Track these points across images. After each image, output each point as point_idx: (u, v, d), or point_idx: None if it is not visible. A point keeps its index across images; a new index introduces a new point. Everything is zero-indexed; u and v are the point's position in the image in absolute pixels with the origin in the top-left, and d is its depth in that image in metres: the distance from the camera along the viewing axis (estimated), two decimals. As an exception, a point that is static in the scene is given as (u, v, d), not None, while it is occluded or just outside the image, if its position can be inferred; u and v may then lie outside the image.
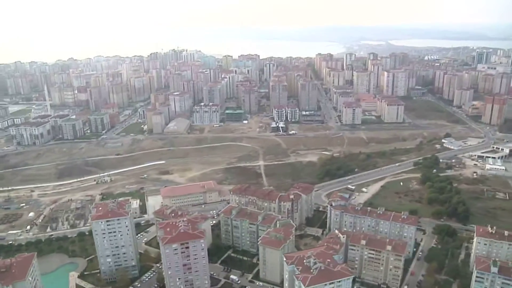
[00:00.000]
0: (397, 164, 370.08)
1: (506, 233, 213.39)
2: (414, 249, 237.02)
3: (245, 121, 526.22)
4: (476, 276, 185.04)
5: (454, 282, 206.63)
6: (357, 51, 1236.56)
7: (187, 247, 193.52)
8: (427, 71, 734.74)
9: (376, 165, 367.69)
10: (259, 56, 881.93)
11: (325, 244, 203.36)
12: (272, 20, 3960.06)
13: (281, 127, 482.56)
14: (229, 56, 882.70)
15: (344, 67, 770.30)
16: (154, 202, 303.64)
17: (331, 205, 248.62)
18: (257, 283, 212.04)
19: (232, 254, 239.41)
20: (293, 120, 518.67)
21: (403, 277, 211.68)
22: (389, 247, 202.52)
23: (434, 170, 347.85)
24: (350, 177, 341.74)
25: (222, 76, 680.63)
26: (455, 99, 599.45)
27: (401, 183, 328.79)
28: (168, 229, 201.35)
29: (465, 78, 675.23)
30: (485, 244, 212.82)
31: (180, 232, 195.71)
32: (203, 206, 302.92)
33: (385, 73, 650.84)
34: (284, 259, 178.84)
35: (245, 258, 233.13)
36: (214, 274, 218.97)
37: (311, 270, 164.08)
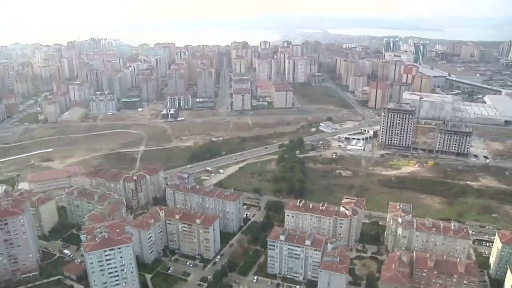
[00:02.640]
0: (263, 147, 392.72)
1: (311, 205, 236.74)
2: (243, 224, 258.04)
3: (140, 109, 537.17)
4: (268, 244, 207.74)
5: (264, 252, 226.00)
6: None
7: (6, 224, 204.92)
8: (332, 58, 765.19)
9: (245, 148, 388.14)
10: (174, 44, 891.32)
11: (141, 218, 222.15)
12: (217, 10, 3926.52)
13: (171, 113, 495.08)
14: (145, 44, 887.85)
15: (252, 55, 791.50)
16: (23, 188, 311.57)
17: (167, 184, 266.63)
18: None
19: (75, 232, 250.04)
20: (186, 107, 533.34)
21: (221, 249, 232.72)
22: (198, 221, 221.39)
23: (297, 152, 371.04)
24: (216, 159, 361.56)
25: (127, 65, 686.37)
26: (350, 85, 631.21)
27: (259, 164, 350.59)
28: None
29: (366, 65, 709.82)
30: (292, 217, 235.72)
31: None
32: (66, 189, 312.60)
33: (287, 60, 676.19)
34: (82, 230, 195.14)
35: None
36: (51, 250, 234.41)
37: (96, 239, 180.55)
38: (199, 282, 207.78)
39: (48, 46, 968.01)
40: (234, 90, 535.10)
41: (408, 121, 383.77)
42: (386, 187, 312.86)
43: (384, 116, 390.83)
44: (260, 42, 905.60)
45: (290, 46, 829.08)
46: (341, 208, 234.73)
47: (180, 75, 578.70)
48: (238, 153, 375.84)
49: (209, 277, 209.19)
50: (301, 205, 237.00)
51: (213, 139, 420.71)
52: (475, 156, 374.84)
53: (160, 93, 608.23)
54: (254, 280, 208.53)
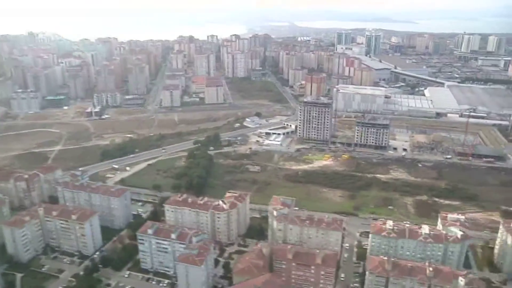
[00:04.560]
0: (180, 144, 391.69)
1: (190, 200, 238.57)
2: (132, 220, 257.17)
3: (66, 107, 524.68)
4: (138, 239, 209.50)
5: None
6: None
7: None
8: (276, 52, 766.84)
9: (162, 145, 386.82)
10: (116, 39, 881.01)
11: (16, 217, 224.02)
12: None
13: (95, 112, 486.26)
14: (86, 39, 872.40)
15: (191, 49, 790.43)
16: None
17: (58, 182, 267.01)
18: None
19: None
20: (114, 104, 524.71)
21: (104, 245, 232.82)
22: (74, 217, 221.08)
23: (212, 148, 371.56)
24: (128, 157, 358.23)
25: (59, 61, 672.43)
26: (290, 79, 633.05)
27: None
28: None
29: (311, 58, 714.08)
30: (172, 211, 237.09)
31: None
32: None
33: (226, 55, 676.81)
34: None
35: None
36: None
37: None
38: (70, 278, 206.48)
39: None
40: (163, 86, 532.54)
41: (325, 115, 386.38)
42: (291, 182, 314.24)
43: (300, 110, 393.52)
44: (208, 36, 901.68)
45: (237, 40, 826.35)
46: (220, 202, 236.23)
47: (111, 71, 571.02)
48: (152, 150, 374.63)
49: (81, 273, 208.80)
50: (181, 199, 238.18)
51: (132, 136, 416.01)
52: (395, 148, 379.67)
53: (93, 90, 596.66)
54: (126, 275, 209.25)
